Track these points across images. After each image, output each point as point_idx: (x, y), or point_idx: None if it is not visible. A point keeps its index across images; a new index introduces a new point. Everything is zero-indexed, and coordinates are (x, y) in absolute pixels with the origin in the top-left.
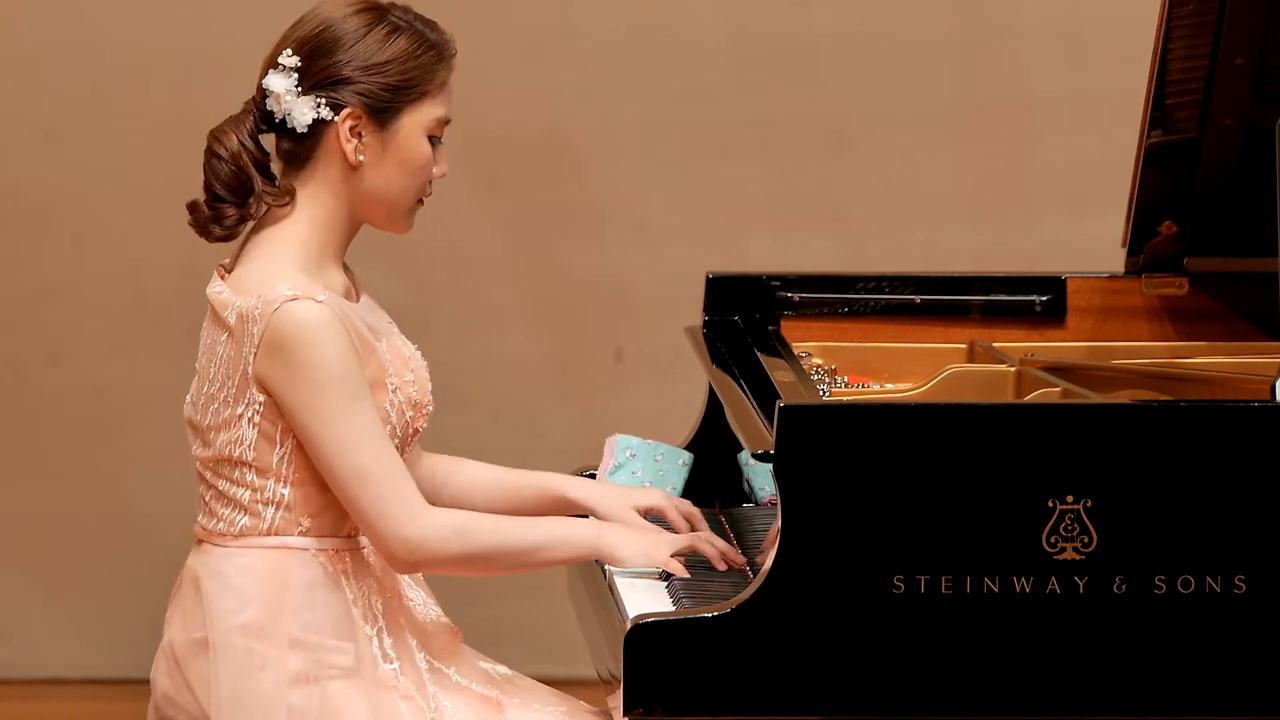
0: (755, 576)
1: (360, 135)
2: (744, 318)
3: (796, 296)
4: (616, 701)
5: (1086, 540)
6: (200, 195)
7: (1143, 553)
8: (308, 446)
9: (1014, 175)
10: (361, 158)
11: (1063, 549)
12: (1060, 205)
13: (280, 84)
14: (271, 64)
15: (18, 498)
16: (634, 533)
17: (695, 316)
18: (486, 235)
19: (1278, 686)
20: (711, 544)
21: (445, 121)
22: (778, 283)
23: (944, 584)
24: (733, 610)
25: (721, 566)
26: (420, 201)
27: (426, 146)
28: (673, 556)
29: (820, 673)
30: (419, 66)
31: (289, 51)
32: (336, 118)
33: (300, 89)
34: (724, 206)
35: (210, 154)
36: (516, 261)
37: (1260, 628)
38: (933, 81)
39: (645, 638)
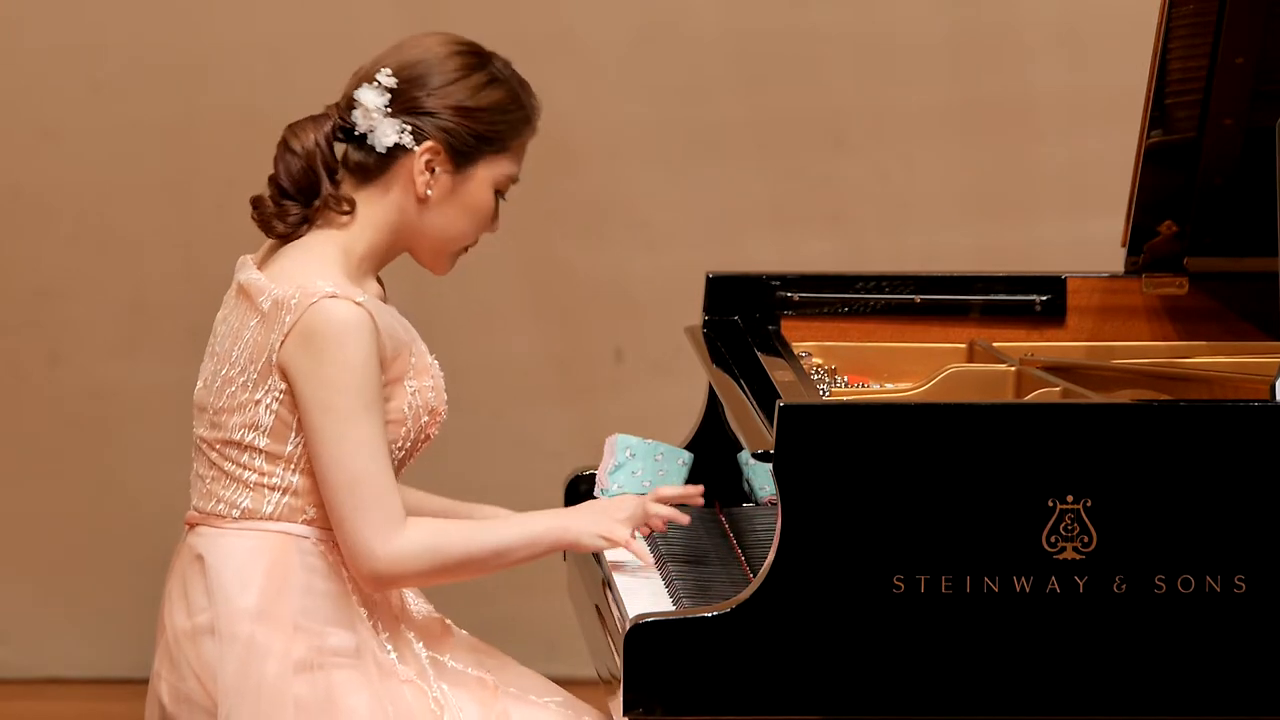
0: (755, 576)
1: (434, 170)
2: (744, 318)
3: (796, 296)
4: (616, 701)
5: (1086, 540)
6: (243, 192)
7: (1143, 553)
8: (310, 442)
9: (1014, 175)
10: (429, 192)
11: (1063, 549)
12: (1060, 205)
13: (373, 100)
14: (368, 78)
15: (18, 498)
16: (590, 515)
17: (695, 316)
18: (487, 235)
19: (1278, 686)
20: (658, 514)
21: (514, 180)
22: (778, 283)
23: (944, 584)
24: (733, 610)
25: (683, 519)
26: (465, 248)
27: (491, 199)
28: (637, 531)
29: (820, 673)
30: (508, 122)
31: (388, 71)
32: (417, 148)
33: (390, 110)
34: (724, 206)
35: (284, 147)
36: (516, 261)
37: (1260, 628)
38: (933, 81)
39: (645, 638)
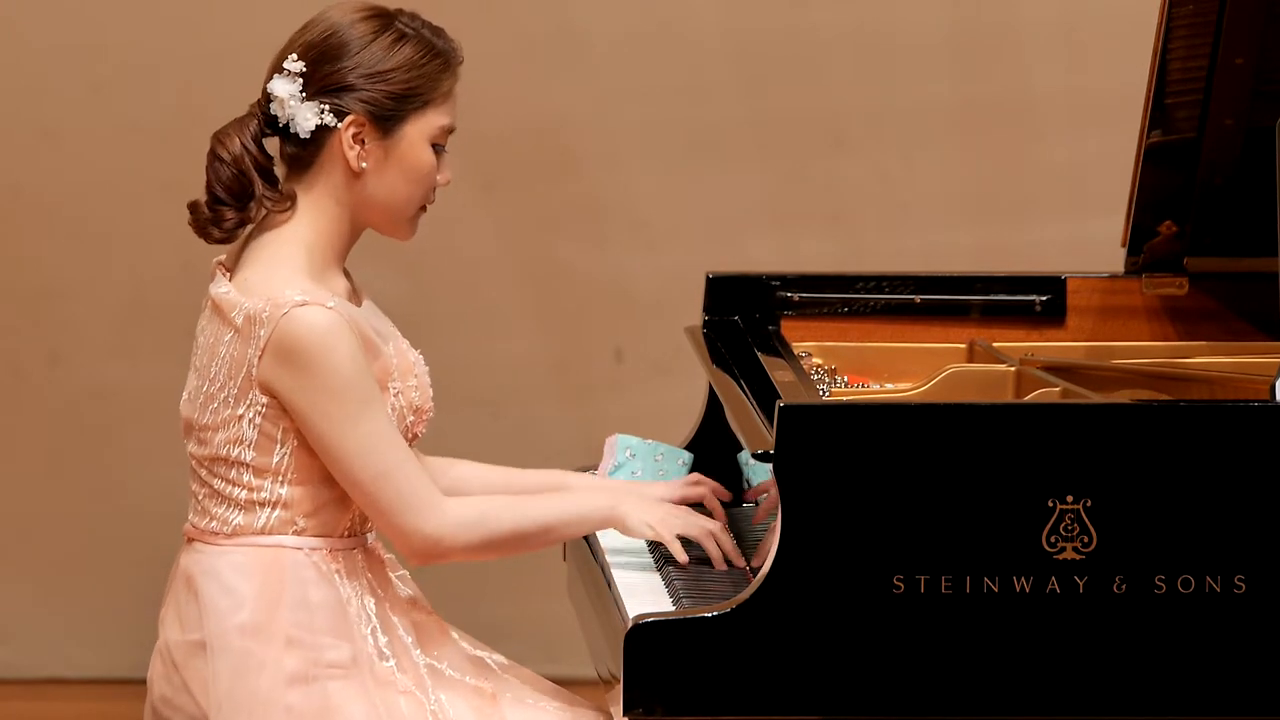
0: (754, 577)
1: (363, 142)
2: (744, 318)
3: (796, 296)
4: (616, 701)
5: (1086, 540)
6: (200, 196)
7: (1143, 553)
8: (322, 452)
9: (1014, 175)
10: (364, 165)
11: (1063, 549)
12: (1060, 205)
13: (284, 89)
14: (277, 68)
15: (18, 498)
16: (647, 504)
17: (695, 316)
18: (486, 235)
19: (1278, 686)
20: (719, 543)
21: (449, 130)
22: (778, 283)
23: (944, 584)
24: (733, 610)
25: (721, 567)
26: (423, 208)
27: (430, 155)
28: (680, 538)
29: (820, 673)
30: (424, 75)
31: (294, 56)
32: (340, 124)
33: (305, 94)
34: (724, 206)
35: (213, 156)
36: (516, 261)
37: (1260, 628)
38: (933, 81)
39: (645, 638)
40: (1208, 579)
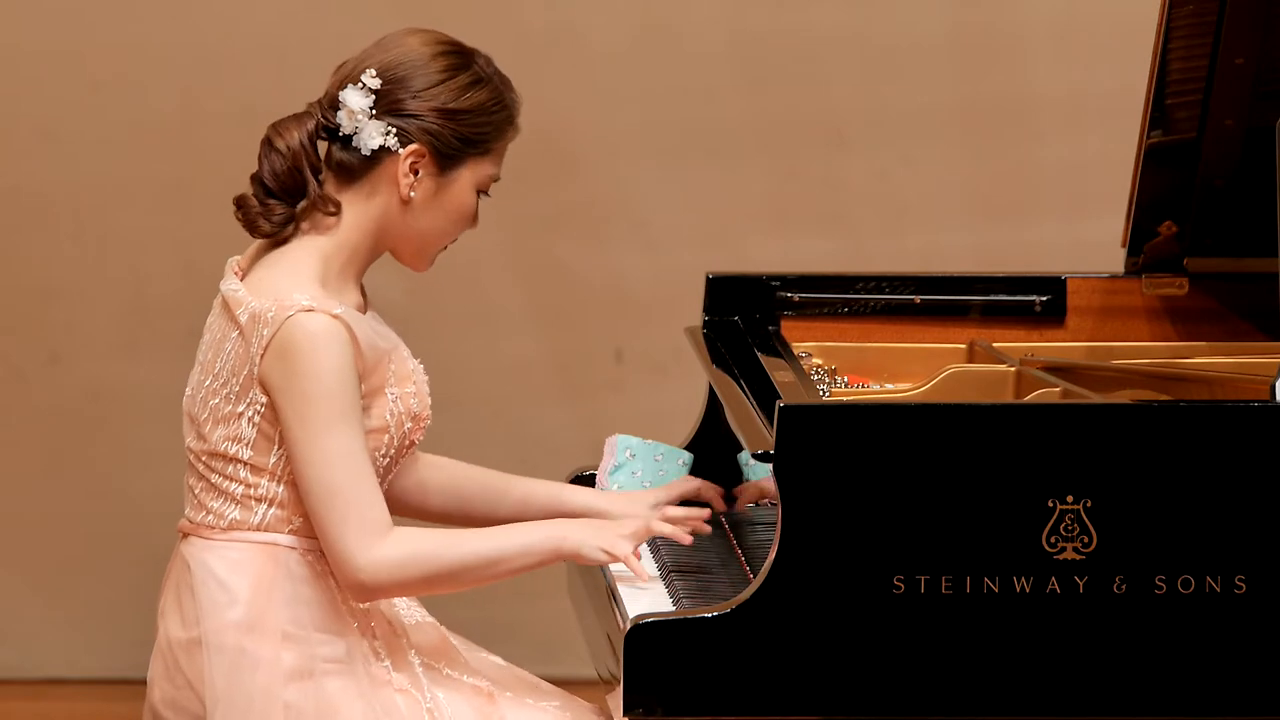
0: (755, 576)
1: (417, 173)
2: (744, 318)
3: (796, 296)
4: (616, 701)
5: (1086, 540)
6: (246, 189)
7: (1143, 553)
8: (289, 453)
9: (1014, 175)
10: (413, 194)
11: (1063, 549)
12: (1060, 205)
13: (357, 101)
14: (352, 78)
15: (17, 498)
16: (594, 529)
17: (695, 316)
18: (486, 235)
19: (1278, 686)
20: (661, 532)
21: (495, 179)
22: (778, 283)
23: (944, 584)
24: (733, 610)
25: (685, 541)
26: (445, 247)
27: (474, 200)
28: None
29: (820, 673)
30: (492, 123)
31: (373, 72)
32: (401, 150)
33: (374, 112)
34: (724, 206)
35: (268, 146)
36: (516, 261)
37: (1260, 628)
38: (933, 81)
39: (645, 638)
40: (1208, 579)
